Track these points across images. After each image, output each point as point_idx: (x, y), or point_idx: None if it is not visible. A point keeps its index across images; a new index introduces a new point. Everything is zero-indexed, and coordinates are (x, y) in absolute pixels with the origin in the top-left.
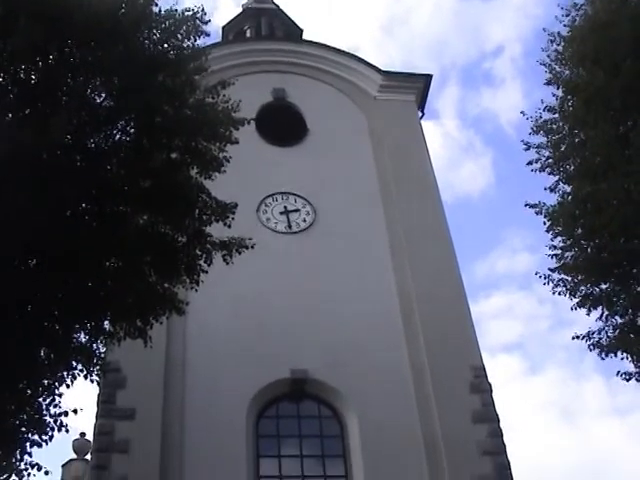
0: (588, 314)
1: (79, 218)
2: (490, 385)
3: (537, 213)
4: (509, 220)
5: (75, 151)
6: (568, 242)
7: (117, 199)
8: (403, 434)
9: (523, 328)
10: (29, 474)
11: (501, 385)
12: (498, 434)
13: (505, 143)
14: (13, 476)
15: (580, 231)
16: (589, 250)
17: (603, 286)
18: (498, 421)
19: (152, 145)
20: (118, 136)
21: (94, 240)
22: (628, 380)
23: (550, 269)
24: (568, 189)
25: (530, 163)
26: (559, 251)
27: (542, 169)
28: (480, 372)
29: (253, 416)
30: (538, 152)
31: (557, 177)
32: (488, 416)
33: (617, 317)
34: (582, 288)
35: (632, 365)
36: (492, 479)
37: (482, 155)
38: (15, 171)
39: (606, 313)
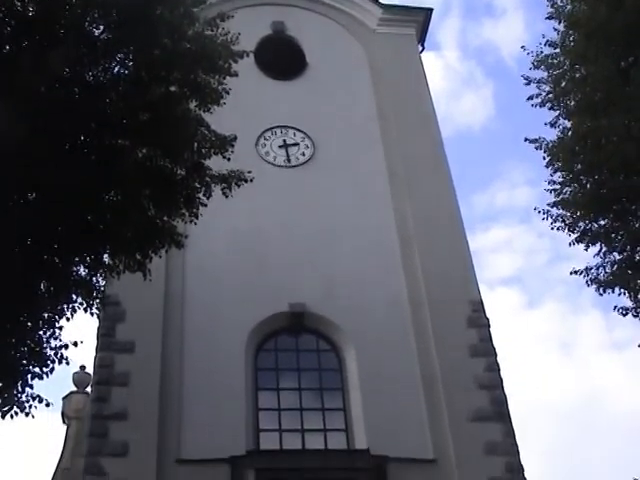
0: (586, 249)
1: (78, 151)
2: (488, 320)
3: (537, 148)
4: (510, 153)
5: (74, 84)
6: (567, 178)
7: (116, 132)
8: (401, 368)
9: (522, 262)
10: (30, 406)
11: (499, 319)
12: (495, 368)
13: (506, 75)
14: (15, 408)
15: (580, 167)
16: (588, 186)
17: (602, 222)
18: (495, 355)
19: (151, 78)
20: (117, 69)
21: (93, 173)
22: (625, 315)
23: (549, 204)
24: (568, 124)
25: (530, 98)
26: (558, 186)
27: (542, 104)
28: (478, 306)
29: (252, 349)
30: (539, 87)
31: (557, 112)
32: (485, 350)
33: (615, 253)
34: (581, 224)
35: (629, 300)
36: (489, 412)
37: (483, 87)
38: (14, 104)
39: (604, 249)
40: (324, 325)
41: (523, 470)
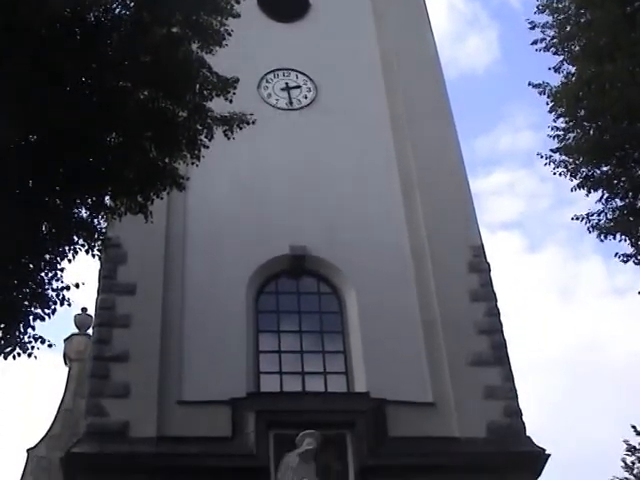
0: (588, 195)
1: (79, 93)
2: (488, 265)
3: (540, 93)
4: (513, 97)
5: (75, 25)
6: (571, 123)
7: (117, 74)
8: (401, 311)
9: (524, 206)
10: (33, 347)
11: (500, 263)
12: (495, 313)
13: (512, 18)
14: (17, 349)
15: (583, 112)
16: (591, 132)
17: (604, 168)
18: (495, 300)
19: (152, 19)
20: (118, 10)
21: (94, 115)
22: (626, 262)
23: (552, 150)
24: (572, 70)
25: (535, 42)
26: (561, 132)
27: (547, 49)
28: (479, 251)
29: (253, 292)
30: (543, 32)
31: (562, 57)
32: (486, 295)
33: (617, 200)
34: (583, 170)
35: (630, 247)
36: (488, 357)
37: (488, 29)
38: (14, 45)
39: (606, 195)
40: (325, 268)
41: (521, 414)
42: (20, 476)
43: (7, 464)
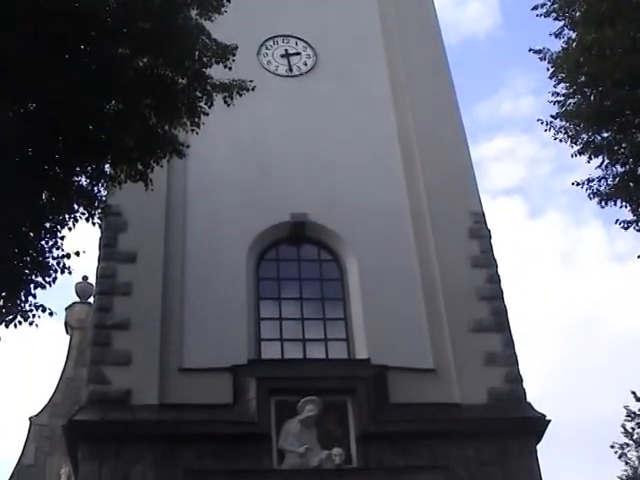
0: (589, 162)
1: (78, 60)
2: (489, 231)
3: (541, 59)
4: (515, 62)
5: None
6: (571, 89)
7: (116, 41)
8: (402, 278)
9: (525, 172)
10: (34, 315)
11: (501, 229)
12: (496, 280)
13: None
14: (18, 317)
15: (583, 78)
16: (592, 98)
17: (605, 134)
18: (496, 267)
19: None
20: None
21: (93, 83)
22: (626, 229)
23: (552, 116)
24: (573, 35)
25: (536, 8)
26: (562, 98)
27: (547, 14)
28: (479, 218)
29: (253, 259)
30: None
31: (562, 23)
32: (486, 262)
33: (618, 166)
34: (584, 136)
35: (631, 213)
36: (489, 323)
37: None
38: (12, 11)
39: (607, 161)
40: (326, 235)
41: (522, 380)
42: (23, 444)
43: (10, 432)
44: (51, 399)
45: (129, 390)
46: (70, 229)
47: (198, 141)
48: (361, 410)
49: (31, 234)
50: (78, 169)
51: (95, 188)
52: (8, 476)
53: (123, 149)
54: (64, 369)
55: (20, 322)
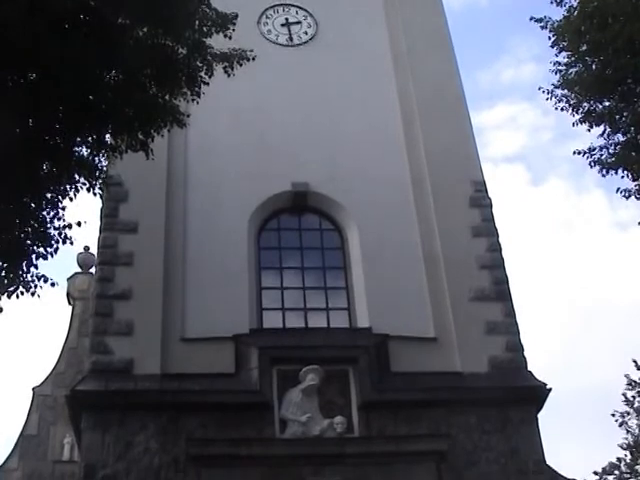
0: (590, 130)
1: (78, 30)
2: (490, 200)
3: (542, 27)
4: (517, 29)
5: None
6: (572, 58)
7: (116, 10)
8: (403, 247)
9: (527, 139)
10: (36, 286)
11: (503, 196)
12: (497, 249)
13: None
14: (20, 288)
15: (585, 47)
16: (593, 66)
17: (606, 103)
18: (497, 236)
19: None
20: None
21: (93, 53)
22: (627, 197)
23: (553, 85)
24: (574, 3)
25: None
26: (563, 67)
27: None
28: (480, 186)
29: (255, 228)
30: None
31: None
32: (487, 231)
33: (619, 135)
34: (585, 105)
35: (632, 182)
36: (490, 292)
37: None
38: None
39: (608, 130)
40: (327, 204)
41: (523, 349)
42: (26, 414)
43: (13, 403)
44: (54, 369)
45: (131, 360)
46: (71, 199)
47: (199, 111)
48: (363, 379)
49: (32, 205)
50: (79, 139)
51: (96, 158)
52: (11, 446)
53: (124, 119)
54: (66, 339)
55: (22, 293)
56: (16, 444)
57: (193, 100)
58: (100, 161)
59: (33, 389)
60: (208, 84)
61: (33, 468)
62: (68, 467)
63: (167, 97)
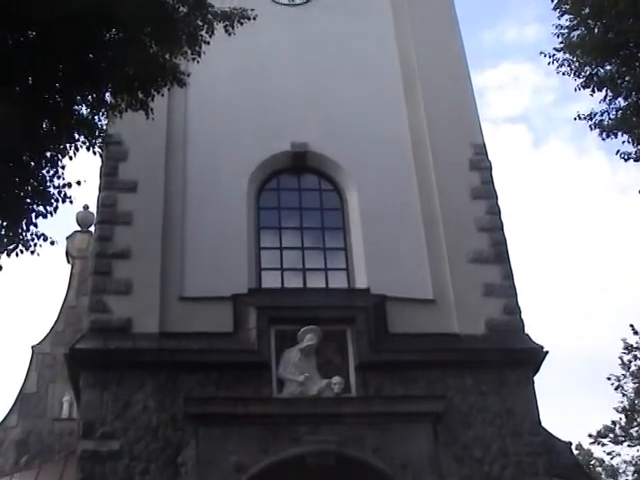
0: (592, 95)
1: None
2: (490, 163)
3: None
4: None
5: None
6: (575, 21)
7: None
8: (402, 208)
9: (529, 100)
10: (35, 244)
11: (504, 157)
12: (496, 211)
13: None
14: (20, 246)
15: (587, 10)
16: (596, 30)
17: (608, 67)
18: (496, 198)
19: None
20: None
21: (94, 10)
22: (626, 160)
23: (555, 48)
24: None
25: None
26: (565, 30)
27: None
28: (480, 149)
29: (254, 188)
30: None
31: None
32: (487, 193)
33: (621, 99)
34: (587, 69)
35: (632, 146)
36: (488, 255)
37: None
38: None
39: (610, 95)
40: (326, 165)
41: (520, 312)
42: (25, 372)
43: (12, 361)
44: (53, 328)
45: (130, 319)
46: (71, 158)
47: (199, 70)
48: (360, 339)
49: (32, 163)
50: (79, 98)
51: (96, 117)
52: (11, 404)
53: (124, 78)
54: (65, 298)
55: (21, 251)
56: (15, 402)
57: (194, 59)
58: (100, 120)
59: (32, 347)
60: (209, 43)
61: (32, 425)
62: (67, 425)
63: (167, 56)
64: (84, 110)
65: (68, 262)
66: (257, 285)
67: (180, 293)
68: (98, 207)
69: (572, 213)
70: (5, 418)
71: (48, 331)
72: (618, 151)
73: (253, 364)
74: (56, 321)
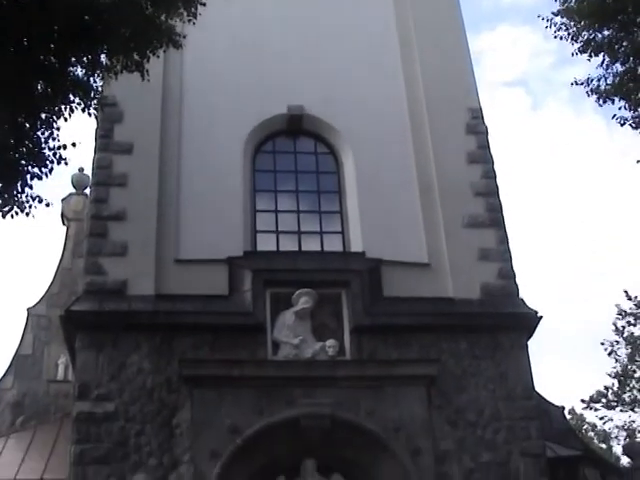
0: (589, 60)
1: None
2: (486, 127)
3: None
4: None
5: None
6: None
7: None
8: (398, 172)
9: (527, 64)
10: (30, 206)
11: (503, 120)
12: (492, 176)
13: None
14: (15, 208)
15: None
16: None
17: (605, 32)
18: (492, 163)
19: None
20: None
21: None
22: (622, 125)
23: (553, 13)
24: None
25: None
26: None
27: None
28: (477, 113)
29: (250, 151)
30: None
31: None
32: (483, 157)
33: (618, 64)
34: (584, 33)
35: (629, 112)
36: (484, 219)
37: None
38: None
39: (607, 60)
40: (322, 128)
41: (515, 276)
42: (20, 335)
43: (8, 323)
44: (48, 290)
45: (125, 281)
46: (66, 120)
47: (195, 33)
48: (355, 303)
49: (27, 125)
50: (74, 59)
51: (91, 79)
52: (6, 366)
53: (119, 39)
54: (61, 260)
55: (17, 213)
56: (11, 364)
57: (190, 21)
58: (95, 81)
59: (28, 309)
60: (204, 4)
61: (28, 387)
62: (62, 386)
63: (163, 17)
64: (79, 72)
65: (63, 224)
66: (252, 248)
67: (175, 255)
68: (93, 169)
69: (569, 177)
70: (1, 380)
71: (43, 293)
72: (614, 115)
73: (248, 327)
74: (51, 283)
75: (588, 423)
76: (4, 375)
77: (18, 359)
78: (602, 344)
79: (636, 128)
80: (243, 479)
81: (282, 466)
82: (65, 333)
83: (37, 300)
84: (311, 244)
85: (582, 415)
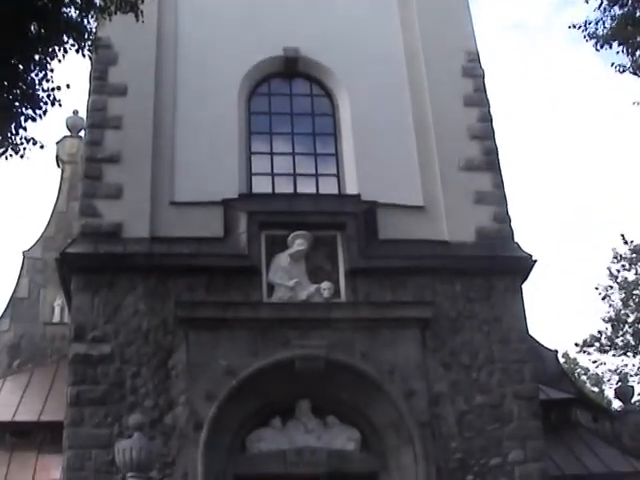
0: (587, 2)
1: None
2: (483, 70)
3: None
4: None
5: None
6: None
7: None
8: (394, 115)
9: (526, 6)
10: (24, 148)
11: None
12: (488, 119)
13: None
14: (9, 150)
15: None
16: None
17: None
18: (488, 106)
19: None
20: None
21: None
22: (622, 72)
23: None
24: None
25: None
26: None
27: None
28: (474, 56)
29: (245, 93)
30: None
31: None
32: (479, 101)
33: (616, 7)
34: None
35: (627, 57)
36: (480, 162)
37: None
38: None
39: (605, 3)
40: (318, 70)
41: (510, 220)
42: (16, 278)
43: (3, 266)
44: (44, 233)
45: (120, 223)
46: (60, 61)
47: None
48: (350, 245)
49: (20, 66)
50: (67, 0)
51: (85, 20)
52: (2, 309)
53: None
54: (56, 203)
55: (11, 155)
56: (7, 307)
57: None
58: (89, 22)
59: (23, 253)
60: None
61: (24, 330)
62: (59, 329)
63: None
64: (73, 12)
65: (58, 167)
66: (248, 190)
67: (171, 198)
68: (88, 111)
69: (566, 122)
70: None
71: (39, 236)
72: (613, 64)
73: (243, 269)
74: (47, 226)
75: (581, 367)
76: (0, 318)
77: (14, 302)
78: (596, 289)
79: (635, 74)
80: (239, 420)
81: (277, 407)
82: (61, 276)
83: (32, 243)
84: (306, 186)
85: (575, 359)
